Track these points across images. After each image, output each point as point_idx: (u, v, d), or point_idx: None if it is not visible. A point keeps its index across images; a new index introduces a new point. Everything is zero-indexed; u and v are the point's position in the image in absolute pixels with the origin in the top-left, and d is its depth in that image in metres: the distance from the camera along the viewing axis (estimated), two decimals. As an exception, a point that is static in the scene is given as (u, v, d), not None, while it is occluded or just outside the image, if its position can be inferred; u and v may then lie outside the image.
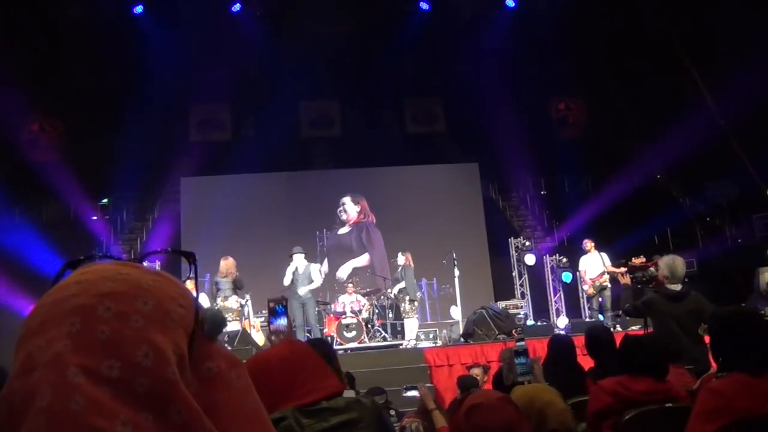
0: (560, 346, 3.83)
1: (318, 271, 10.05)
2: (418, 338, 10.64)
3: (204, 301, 9.06)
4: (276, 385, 1.86)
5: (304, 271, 9.82)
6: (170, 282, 0.65)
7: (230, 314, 9.06)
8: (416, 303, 10.37)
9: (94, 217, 14.32)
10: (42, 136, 14.01)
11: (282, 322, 2.67)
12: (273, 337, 2.77)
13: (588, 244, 10.64)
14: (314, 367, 1.97)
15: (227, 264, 9.39)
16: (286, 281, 9.77)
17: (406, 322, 10.52)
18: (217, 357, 0.65)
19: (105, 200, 14.72)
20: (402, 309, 10.67)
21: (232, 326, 9.04)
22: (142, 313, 0.59)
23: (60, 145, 13.82)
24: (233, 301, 9.33)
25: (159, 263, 9.22)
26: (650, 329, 4.98)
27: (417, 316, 10.52)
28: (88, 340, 0.56)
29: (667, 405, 2.81)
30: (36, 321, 0.59)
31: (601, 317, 10.18)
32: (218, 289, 9.36)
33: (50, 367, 0.55)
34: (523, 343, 3.49)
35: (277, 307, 2.67)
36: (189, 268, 0.70)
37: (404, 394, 3.65)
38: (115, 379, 0.55)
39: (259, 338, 9.48)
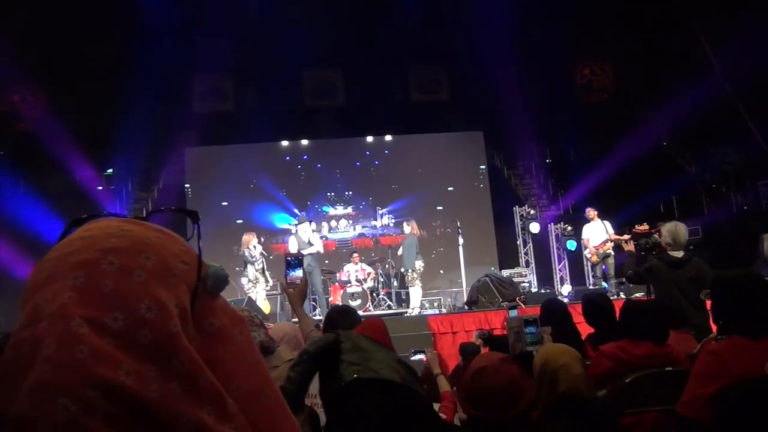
0: (553, 311, 3.83)
1: (318, 239, 10.14)
2: (422, 306, 10.72)
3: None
4: None
5: (308, 240, 9.90)
6: (173, 239, 0.66)
7: (249, 284, 9.72)
8: (415, 272, 10.36)
9: (99, 188, 14.38)
10: (23, 107, 13.94)
11: (297, 273, 2.75)
12: (289, 289, 2.84)
13: (591, 212, 10.62)
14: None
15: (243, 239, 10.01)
16: (292, 249, 9.86)
17: (410, 290, 10.58)
18: (220, 313, 0.67)
19: (110, 171, 14.75)
20: (406, 278, 10.72)
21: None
22: (144, 267, 0.60)
23: (42, 116, 13.73)
24: (250, 272, 9.79)
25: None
26: (653, 296, 5.00)
27: (420, 285, 10.57)
28: (92, 293, 0.58)
29: (667, 368, 2.84)
30: (42, 275, 0.61)
31: (605, 285, 10.22)
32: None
33: (56, 318, 0.57)
34: (514, 312, 3.51)
35: (293, 260, 2.75)
36: (192, 227, 0.71)
37: (411, 358, 3.69)
38: (119, 330, 0.57)
39: (265, 307, 9.64)
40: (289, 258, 2.81)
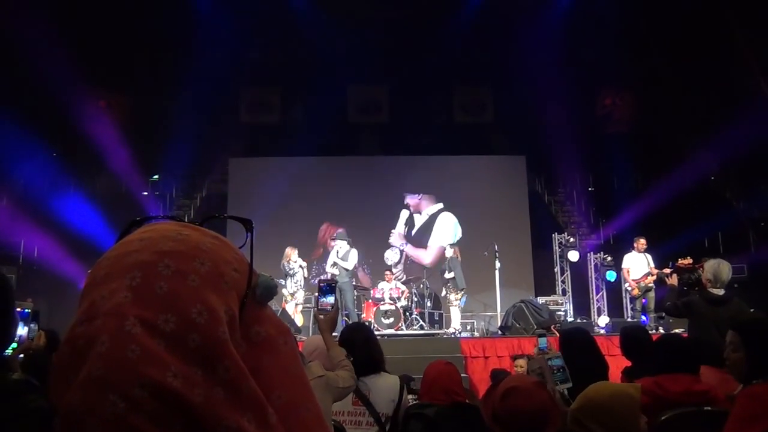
0: (573, 342, 3.72)
1: (354, 256, 10.21)
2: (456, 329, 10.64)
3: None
4: None
5: (343, 256, 9.99)
6: (227, 246, 0.68)
7: (288, 296, 10.04)
8: (464, 291, 10.34)
9: (145, 193, 14.72)
10: (108, 112, 14.43)
11: (328, 300, 2.73)
12: (320, 315, 2.80)
13: (640, 242, 10.20)
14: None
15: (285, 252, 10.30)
16: (329, 264, 10.05)
17: (451, 310, 10.50)
18: (267, 322, 0.68)
19: (156, 176, 15.09)
20: (447, 299, 10.62)
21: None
22: (198, 273, 0.62)
23: (124, 122, 14.20)
24: (289, 285, 10.10)
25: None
26: (686, 333, 4.91)
27: (460, 306, 10.50)
28: (146, 294, 0.60)
29: (705, 408, 2.76)
30: (101, 272, 0.63)
31: (643, 318, 9.98)
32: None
33: (111, 316, 0.59)
34: (544, 340, 3.42)
35: (325, 286, 2.74)
36: (246, 235, 0.73)
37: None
38: (170, 332, 0.58)
39: (298, 320, 9.73)
40: (321, 284, 2.79)
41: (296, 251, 10.26)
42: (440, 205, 14.67)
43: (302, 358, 2.90)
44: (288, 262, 10.07)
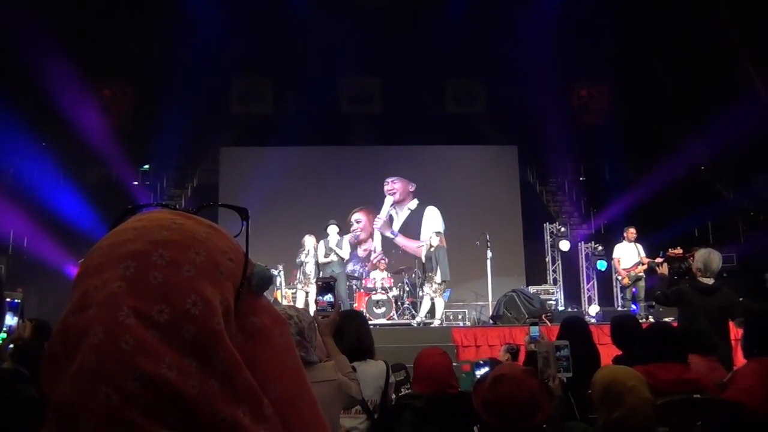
0: (574, 329, 3.78)
1: (348, 245, 10.19)
2: (445, 318, 10.65)
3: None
4: None
5: (338, 243, 9.98)
6: (223, 236, 0.67)
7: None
8: (446, 283, 10.29)
9: (135, 183, 14.62)
10: (113, 102, 14.32)
11: (326, 298, 2.68)
12: (319, 316, 2.67)
13: (630, 232, 10.31)
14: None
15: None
16: (320, 254, 10.02)
17: (436, 301, 10.47)
18: (262, 313, 0.67)
19: (146, 166, 14.99)
20: (432, 289, 10.55)
21: None
22: (193, 263, 0.61)
23: (114, 111, 14.09)
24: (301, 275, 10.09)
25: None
26: (675, 321, 4.95)
27: (444, 297, 10.48)
28: (141, 284, 0.59)
29: (695, 396, 2.79)
30: (94, 261, 0.62)
31: (633, 307, 10.06)
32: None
33: (104, 307, 0.57)
34: (536, 329, 3.45)
35: (322, 283, 2.73)
36: (241, 224, 0.71)
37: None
38: (164, 323, 0.57)
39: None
40: (319, 282, 2.76)
41: (314, 239, 10.10)
42: (416, 201, 14.62)
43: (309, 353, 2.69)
44: (304, 251, 9.95)
